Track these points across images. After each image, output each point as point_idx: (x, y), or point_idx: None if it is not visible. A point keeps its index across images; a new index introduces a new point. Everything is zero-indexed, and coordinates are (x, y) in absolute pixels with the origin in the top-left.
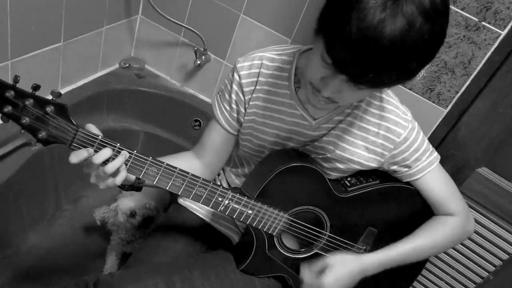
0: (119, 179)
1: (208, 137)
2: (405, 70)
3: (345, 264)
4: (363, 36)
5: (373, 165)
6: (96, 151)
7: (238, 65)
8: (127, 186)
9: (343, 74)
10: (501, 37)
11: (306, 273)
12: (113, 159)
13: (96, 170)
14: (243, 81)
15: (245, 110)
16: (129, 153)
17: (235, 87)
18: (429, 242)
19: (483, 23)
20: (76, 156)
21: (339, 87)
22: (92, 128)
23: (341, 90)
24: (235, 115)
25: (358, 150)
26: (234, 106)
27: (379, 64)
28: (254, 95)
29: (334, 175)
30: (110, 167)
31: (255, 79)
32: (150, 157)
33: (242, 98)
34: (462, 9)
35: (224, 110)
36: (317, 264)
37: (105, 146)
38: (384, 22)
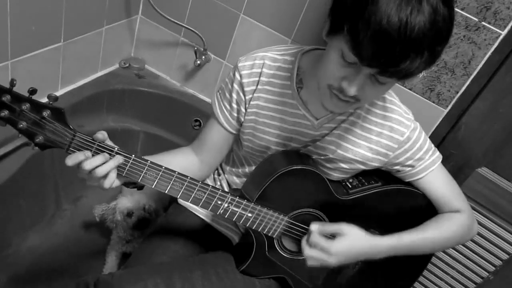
0: (107, 182)
1: (207, 134)
2: (433, 54)
3: (359, 239)
4: (394, 26)
5: (376, 164)
6: (93, 155)
7: (240, 64)
8: (131, 185)
9: (373, 68)
10: (501, 37)
11: (316, 231)
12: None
13: (89, 174)
14: (244, 80)
15: (246, 109)
16: (127, 157)
17: (235, 86)
18: (437, 234)
19: (483, 23)
20: (72, 160)
21: (363, 84)
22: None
23: (363, 87)
24: (236, 114)
25: (360, 150)
26: (234, 105)
27: (411, 51)
28: (255, 94)
29: (337, 175)
30: (100, 171)
31: (257, 78)
32: (149, 161)
33: (243, 97)
34: (462, 9)
35: (224, 109)
36: (330, 227)
37: (102, 151)
38: (413, 11)
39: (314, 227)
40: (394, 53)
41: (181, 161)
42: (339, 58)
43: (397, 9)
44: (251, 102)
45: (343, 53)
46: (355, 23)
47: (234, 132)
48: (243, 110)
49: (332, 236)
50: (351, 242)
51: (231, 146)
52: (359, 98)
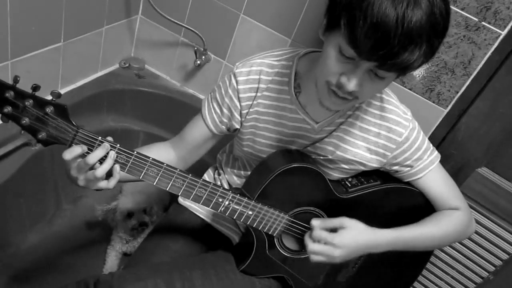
0: (112, 183)
1: (190, 132)
2: (432, 47)
3: (361, 232)
4: (392, 18)
5: (375, 165)
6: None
7: (237, 71)
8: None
9: (372, 61)
10: (501, 37)
11: (318, 226)
12: (101, 162)
13: (85, 173)
14: (240, 87)
15: (241, 117)
16: (129, 154)
17: (230, 91)
18: (436, 230)
19: (483, 23)
20: (70, 153)
21: (361, 79)
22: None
23: (362, 83)
24: (226, 120)
25: (359, 151)
26: (225, 110)
27: (410, 42)
28: (254, 102)
29: (337, 175)
30: (100, 172)
31: (255, 85)
32: (151, 158)
33: (238, 104)
34: (462, 9)
35: (212, 111)
36: (332, 221)
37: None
38: (410, 4)
39: (316, 222)
40: (393, 45)
41: (156, 156)
42: (337, 54)
43: (393, 2)
44: (250, 109)
45: (341, 49)
46: (352, 17)
47: (218, 134)
48: (237, 117)
49: (334, 231)
50: (354, 234)
51: (212, 146)
52: (357, 95)
